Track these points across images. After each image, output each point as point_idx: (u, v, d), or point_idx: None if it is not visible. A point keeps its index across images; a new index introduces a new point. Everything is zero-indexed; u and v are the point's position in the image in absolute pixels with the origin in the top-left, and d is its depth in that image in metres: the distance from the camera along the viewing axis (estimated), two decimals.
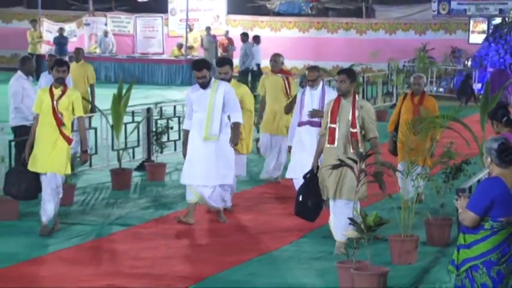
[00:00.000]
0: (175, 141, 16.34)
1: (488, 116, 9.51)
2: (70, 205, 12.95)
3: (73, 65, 15.99)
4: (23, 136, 12.93)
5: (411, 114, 12.36)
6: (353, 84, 10.28)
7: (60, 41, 32.75)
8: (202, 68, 11.36)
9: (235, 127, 11.59)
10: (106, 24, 35.21)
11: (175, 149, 16.33)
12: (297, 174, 11.90)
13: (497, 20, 31.34)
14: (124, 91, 14.63)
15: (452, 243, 10.37)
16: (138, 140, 16.17)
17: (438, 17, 33.61)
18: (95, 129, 15.50)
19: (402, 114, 12.64)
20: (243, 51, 30.31)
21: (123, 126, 14.99)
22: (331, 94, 11.57)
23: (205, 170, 11.41)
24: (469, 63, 29.70)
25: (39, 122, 11.11)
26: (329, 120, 10.16)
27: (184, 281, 9.47)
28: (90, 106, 16.17)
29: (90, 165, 15.27)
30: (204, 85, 11.41)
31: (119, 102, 14.50)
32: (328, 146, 10.14)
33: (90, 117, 15.51)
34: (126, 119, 15.29)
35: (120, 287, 9.35)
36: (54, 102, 11.00)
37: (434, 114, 12.17)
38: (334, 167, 10.34)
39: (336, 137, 10.08)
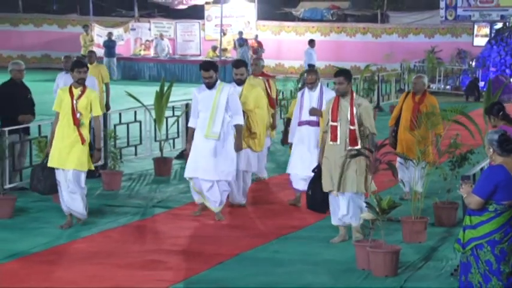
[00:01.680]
0: None
1: (485, 112, 9.47)
2: (117, 190, 13.01)
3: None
4: None
5: (411, 112, 11.93)
6: (350, 84, 9.87)
7: (109, 44, 32.90)
8: (209, 69, 10.93)
9: (238, 130, 11.11)
10: (150, 29, 35.27)
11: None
12: (297, 170, 11.52)
13: (499, 25, 31.25)
14: (165, 89, 14.67)
15: (458, 225, 10.33)
16: (178, 132, 16.23)
17: (445, 22, 33.48)
18: (140, 122, 15.54)
19: (403, 112, 12.12)
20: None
21: (165, 120, 15.03)
22: (329, 94, 11.14)
23: (205, 166, 10.89)
24: (473, 63, 29.62)
25: (60, 121, 10.54)
26: (330, 118, 9.82)
27: (218, 258, 9.49)
28: (105, 103, 15.76)
29: (136, 154, 15.35)
30: (210, 85, 10.96)
31: (161, 99, 14.58)
32: (331, 143, 9.80)
33: (135, 111, 15.51)
34: (167, 113, 15.36)
35: (162, 261, 9.38)
36: (74, 102, 10.45)
37: (436, 112, 11.61)
38: (352, 156, 10.31)
39: (338, 134, 9.76)
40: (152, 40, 34.88)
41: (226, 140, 11.00)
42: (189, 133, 11.32)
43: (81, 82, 10.57)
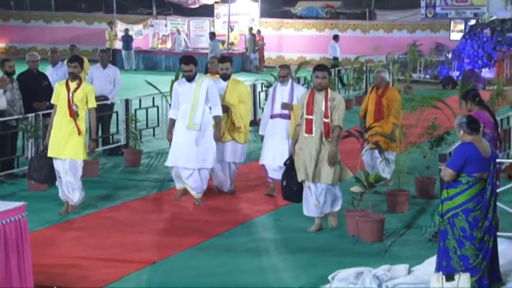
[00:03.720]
0: None
1: (462, 98, 9.43)
2: (138, 166, 13.03)
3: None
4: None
5: (374, 105, 11.24)
6: (329, 78, 9.18)
7: (127, 39, 32.82)
8: (189, 63, 10.28)
9: (217, 122, 10.41)
10: (166, 26, 35.16)
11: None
12: (269, 161, 10.77)
13: (472, 22, 31.21)
14: (180, 77, 14.56)
15: (435, 197, 10.35)
16: None
17: (425, 20, 33.42)
18: (157, 107, 15.52)
19: (368, 105, 11.37)
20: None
21: None
22: (299, 90, 10.69)
23: (187, 155, 10.23)
24: (450, 55, 29.59)
25: (57, 112, 9.87)
26: (305, 112, 9.04)
27: (227, 226, 9.54)
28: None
29: (154, 135, 15.36)
30: (190, 78, 10.30)
31: None
32: (306, 135, 9.02)
33: (153, 98, 15.48)
34: None
35: (178, 228, 9.41)
36: (70, 95, 9.77)
37: (396, 104, 11.03)
38: (344, 137, 10.24)
39: (313, 127, 8.98)
40: (168, 35, 34.84)
41: (206, 130, 10.34)
42: (170, 123, 10.61)
43: (72, 76, 9.85)
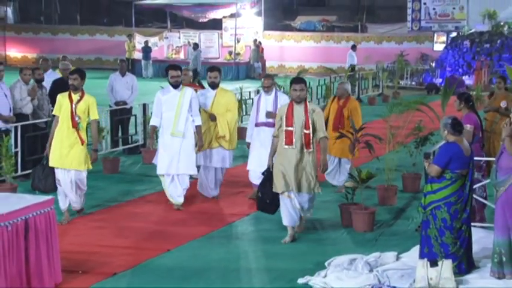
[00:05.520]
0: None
1: (457, 97, 9.16)
2: (151, 164, 12.97)
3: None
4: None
5: (335, 115, 10.78)
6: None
7: (146, 49, 32.83)
8: (177, 69, 9.79)
9: (198, 130, 9.82)
10: (179, 38, 35.17)
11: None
12: (254, 167, 10.05)
13: (454, 34, 31.23)
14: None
15: (421, 191, 10.31)
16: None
17: (411, 32, 33.46)
18: None
19: (330, 114, 10.84)
20: None
21: None
22: (283, 98, 9.99)
23: (169, 161, 9.67)
24: (434, 64, 29.60)
25: (59, 124, 9.07)
26: (284, 124, 8.26)
27: (233, 217, 9.53)
28: None
29: None
30: (177, 85, 9.67)
31: None
32: (286, 146, 8.24)
33: None
34: None
35: (189, 220, 9.39)
36: (73, 106, 9.01)
37: (357, 114, 10.67)
38: (337, 138, 10.22)
39: (294, 138, 8.22)
40: (181, 46, 34.86)
41: (188, 137, 9.72)
42: (151, 130, 10.10)
43: (73, 88, 9.07)
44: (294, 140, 8.23)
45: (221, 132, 10.12)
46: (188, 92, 9.74)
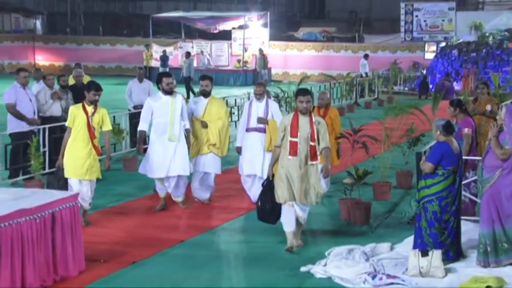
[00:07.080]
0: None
1: (450, 103, 9.03)
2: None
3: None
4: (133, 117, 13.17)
5: None
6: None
7: (164, 58, 32.71)
8: (170, 76, 9.49)
9: (187, 133, 9.47)
10: (192, 47, 35.16)
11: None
12: (245, 171, 9.63)
13: (443, 44, 31.18)
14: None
15: (413, 187, 10.29)
16: None
17: (404, 42, 33.41)
18: None
19: None
20: None
21: None
22: (274, 105, 9.62)
23: (170, 164, 9.29)
24: (425, 72, 29.54)
25: (72, 135, 8.54)
26: (289, 134, 7.63)
27: (239, 211, 9.51)
28: None
29: None
30: (170, 91, 9.35)
31: None
32: (290, 157, 7.59)
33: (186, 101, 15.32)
34: None
35: (199, 214, 9.37)
36: (89, 118, 8.54)
37: (338, 121, 10.34)
38: (337, 138, 10.18)
39: (298, 149, 7.59)
40: (194, 55, 34.84)
41: (181, 141, 9.37)
42: (141, 135, 9.51)
43: (95, 103, 8.59)
44: (298, 151, 7.59)
45: (212, 140, 9.72)
46: (179, 97, 9.48)
